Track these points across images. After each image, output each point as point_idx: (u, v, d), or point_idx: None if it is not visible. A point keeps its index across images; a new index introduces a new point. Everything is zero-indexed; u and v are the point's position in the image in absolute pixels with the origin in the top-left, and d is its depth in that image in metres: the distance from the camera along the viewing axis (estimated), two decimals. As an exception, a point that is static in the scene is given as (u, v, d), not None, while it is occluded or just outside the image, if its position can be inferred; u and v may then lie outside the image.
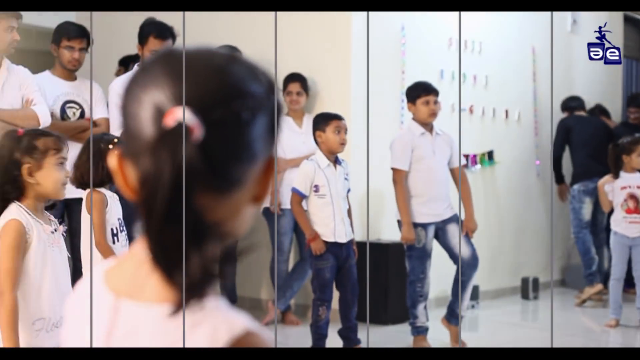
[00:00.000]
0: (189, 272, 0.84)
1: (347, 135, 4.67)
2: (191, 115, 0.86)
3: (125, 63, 5.92)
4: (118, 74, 5.89)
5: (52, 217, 2.80)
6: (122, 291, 0.92)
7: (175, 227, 0.84)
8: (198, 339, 0.86)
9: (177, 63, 0.91)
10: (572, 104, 7.43)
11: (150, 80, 0.91)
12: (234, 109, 0.89)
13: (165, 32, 4.96)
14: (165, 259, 0.86)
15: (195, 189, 0.85)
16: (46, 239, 2.71)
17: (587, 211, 6.95)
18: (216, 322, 0.87)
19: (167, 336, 0.87)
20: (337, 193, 4.62)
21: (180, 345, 0.86)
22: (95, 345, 0.93)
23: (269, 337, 0.89)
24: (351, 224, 4.72)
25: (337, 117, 4.68)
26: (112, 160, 0.93)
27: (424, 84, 5.16)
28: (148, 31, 5.00)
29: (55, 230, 2.76)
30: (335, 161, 4.69)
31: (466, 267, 5.06)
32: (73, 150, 3.24)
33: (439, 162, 5.09)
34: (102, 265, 1.00)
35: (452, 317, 5.13)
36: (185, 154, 0.84)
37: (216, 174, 0.87)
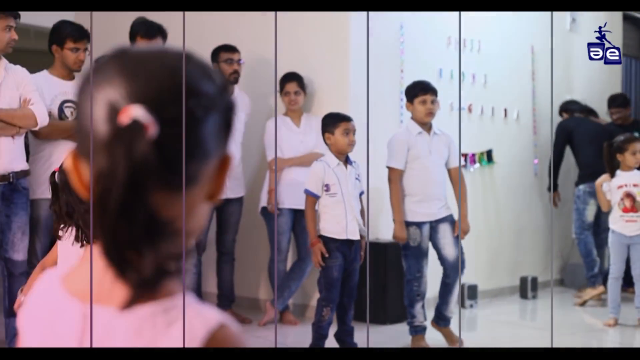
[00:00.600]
0: (143, 269, 0.84)
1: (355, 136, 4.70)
2: (145, 113, 0.87)
3: None
4: None
5: None
6: (88, 297, 0.91)
7: (128, 225, 0.84)
8: (175, 336, 0.87)
9: (130, 61, 0.92)
10: (571, 106, 7.42)
11: (103, 78, 0.91)
12: (187, 107, 0.90)
13: (152, 31, 4.98)
14: (119, 257, 0.86)
15: (150, 186, 0.85)
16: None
17: (590, 212, 6.91)
18: (190, 318, 0.88)
19: (142, 338, 0.88)
20: (348, 192, 4.63)
21: (156, 346, 0.87)
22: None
23: (239, 329, 0.91)
24: (364, 225, 4.73)
25: (345, 119, 4.70)
26: (68, 160, 0.93)
27: (421, 83, 5.15)
28: (136, 31, 5.03)
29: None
30: (346, 161, 4.70)
31: (451, 270, 5.07)
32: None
33: (435, 161, 5.08)
34: (55, 271, 0.99)
35: (440, 319, 5.14)
36: (140, 151, 0.84)
37: (170, 171, 0.88)
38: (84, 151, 0.92)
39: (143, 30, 4.98)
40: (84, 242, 2.92)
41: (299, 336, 5.17)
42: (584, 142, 7.10)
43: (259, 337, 5.33)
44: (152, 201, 0.85)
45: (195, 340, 0.87)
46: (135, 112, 0.87)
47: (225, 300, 5.85)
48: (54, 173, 2.98)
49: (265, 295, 6.12)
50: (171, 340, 0.87)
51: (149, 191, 0.85)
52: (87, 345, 0.90)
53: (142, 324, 0.88)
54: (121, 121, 0.86)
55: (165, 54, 0.95)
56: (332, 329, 4.76)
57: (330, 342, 4.76)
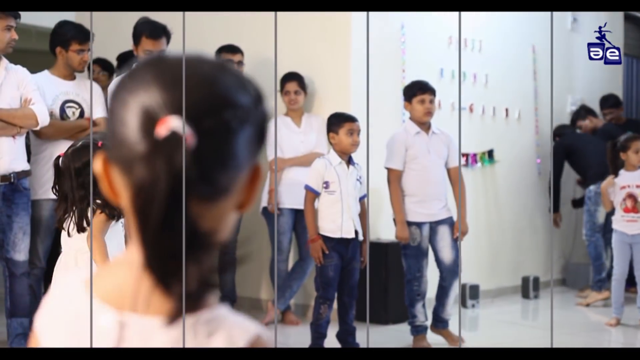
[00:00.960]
0: (187, 281, 0.85)
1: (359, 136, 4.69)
2: (183, 124, 0.86)
3: (123, 59, 5.90)
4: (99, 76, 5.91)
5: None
6: (123, 304, 0.91)
7: (171, 237, 0.84)
8: (215, 346, 0.89)
9: (166, 69, 0.91)
10: (564, 131, 7.39)
11: (139, 85, 0.90)
12: (224, 118, 0.89)
13: (157, 32, 4.97)
14: (162, 269, 0.86)
15: (190, 198, 0.85)
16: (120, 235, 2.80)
17: (602, 214, 6.83)
18: (230, 329, 0.90)
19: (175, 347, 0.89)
20: (347, 191, 4.63)
21: None
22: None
23: (271, 338, 0.93)
24: (362, 226, 4.74)
25: (350, 119, 4.71)
26: (97, 164, 0.93)
27: (419, 83, 5.15)
28: (141, 31, 5.01)
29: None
30: (349, 161, 4.70)
31: (447, 273, 5.08)
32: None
33: (434, 161, 5.07)
34: (77, 274, 0.98)
35: (438, 321, 5.14)
36: (180, 163, 0.84)
37: (206, 182, 0.88)
38: (117, 158, 0.91)
39: (148, 30, 4.97)
40: (81, 228, 2.97)
41: (300, 336, 5.16)
42: (582, 153, 7.06)
43: (261, 337, 5.33)
44: (192, 213, 0.85)
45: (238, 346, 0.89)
46: (174, 123, 0.86)
47: (227, 300, 5.85)
48: (58, 157, 3.04)
49: (267, 296, 6.12)
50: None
51: (189, 203, 0.85)
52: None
53: (179, 334, 0.88)
54: (159, 132, 0.86)
55: (202, 63, 0.94)
56: (334, 329, 4.76)
57: (332, 343, 4.76)
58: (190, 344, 0.89)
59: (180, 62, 0.91)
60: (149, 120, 0.87)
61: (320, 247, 4.61)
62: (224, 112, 0.90)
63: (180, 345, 0.88)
